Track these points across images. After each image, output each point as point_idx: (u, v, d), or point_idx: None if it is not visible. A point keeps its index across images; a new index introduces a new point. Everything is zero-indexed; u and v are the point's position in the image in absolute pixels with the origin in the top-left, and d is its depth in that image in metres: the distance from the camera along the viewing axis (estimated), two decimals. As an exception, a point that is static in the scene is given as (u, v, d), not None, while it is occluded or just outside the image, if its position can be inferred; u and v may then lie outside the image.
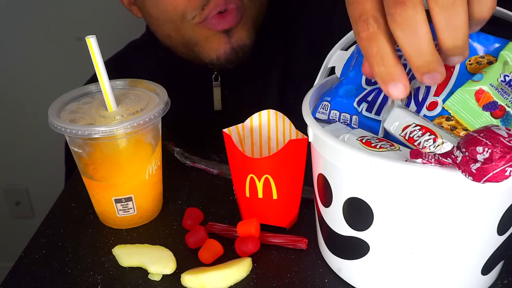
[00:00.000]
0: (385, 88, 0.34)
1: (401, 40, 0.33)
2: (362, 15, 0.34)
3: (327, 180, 0.43)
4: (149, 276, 0.49)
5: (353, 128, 0.46)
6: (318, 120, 0.47)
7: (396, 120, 0.40)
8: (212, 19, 0.68)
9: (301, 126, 0.48)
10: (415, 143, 0.39)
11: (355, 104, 0.46)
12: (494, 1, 0.33)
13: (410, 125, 0.39)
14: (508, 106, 0.39)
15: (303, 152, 0.50)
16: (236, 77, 0.79)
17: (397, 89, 0.34)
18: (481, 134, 0.32)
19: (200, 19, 0.68)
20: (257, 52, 0.76)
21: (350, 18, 0.35)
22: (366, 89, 0.47)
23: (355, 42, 0.50)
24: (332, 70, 0.52)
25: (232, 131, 0.53)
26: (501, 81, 0.40)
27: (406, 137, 0.39)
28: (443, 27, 0.32)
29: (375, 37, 0.33)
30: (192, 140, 0.72)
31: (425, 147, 0.37)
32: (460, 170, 0.33)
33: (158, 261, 0.49)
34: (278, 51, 0.81)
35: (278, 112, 0.54)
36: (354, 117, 0.46)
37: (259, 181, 0.50)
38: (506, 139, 0.31)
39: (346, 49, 0.51)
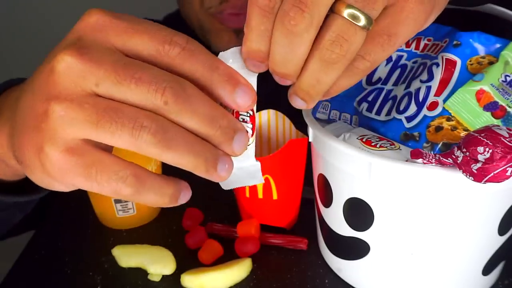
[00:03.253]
0: (246, 60, 0.30)
1: (275, 42, 0.28)
2: None
3: (327, 180, 0.43)
4: (149, 277, 0.49)
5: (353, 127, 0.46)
6: (318, 120, 0.47)
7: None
8: (226, 14, 0.69)
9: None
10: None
11: (355, 104, 0.46)
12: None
13: None
14: (509, 106, 0.39)
15: (303, 152, 0.50)
16: None
17: (257, 67, 0.30)
18: (482, 134, 0.32)
19: (216, 11, 0.69)
20: None
21: None
22: (366, 89, 0.47)
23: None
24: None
25: (232, 131, 0.53)
26: (502, 81, 0.40)
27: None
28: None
29: (270, 15, 0.28)
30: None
31: None
32: (461, 170, 0.33)
33: (157, 262, 0.49)
34: None
35: (278, 112, 0.54)
36: (354, 117, 0.46)
37: (259, 181, 0.50)
38: (507, 139, 0.31)
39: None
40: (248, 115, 0.31)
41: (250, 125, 0.31)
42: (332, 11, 0.27)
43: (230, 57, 0.30)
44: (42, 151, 0.28)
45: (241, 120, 0.31)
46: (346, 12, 0.27)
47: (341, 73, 0.29)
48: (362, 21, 0.27)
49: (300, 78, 0.29)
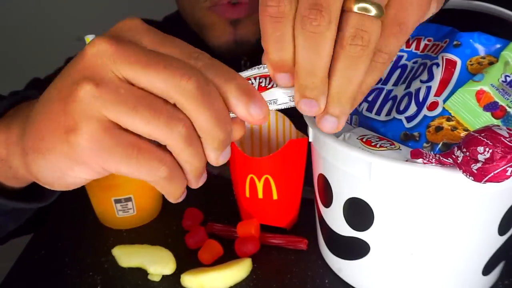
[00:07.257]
0: (274, 76, 0.31)
1: (300, 48, 0.29)
2: None
3: (327, 180, 0.43)
4: (149, 277, 0.49)
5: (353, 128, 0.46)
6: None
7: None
8: (222, 6, 0.68)
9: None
10: None
11: (355, 104, 0.46)
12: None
13: None
14: (509, 107, 0.39)
15: (303, 152, 0.50)
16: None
17: (286, 79, 0.31)
18: (482, 134, 0.32)
19: (211, 3, 0.68)
20: None
21: None
22: (366, 89, 0.47)
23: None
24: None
25: (232, 131, 0.53)
26: (502, 81, 0.40)
27: None
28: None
29: (282, 20, 0.29)
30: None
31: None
32: (461, 170, 0.33)
33: (157, 262, 0.49)
34: None
35: (278, 112, 0.54)
36: (354, 117, 0.46)
37: (259, 181, 0.50)
38: (507, 139, 0.31)
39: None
40: None
41: None
42: (343, 10, 0.29)
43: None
44: (75, 131, 0.27)
45: None
46: (357, 7, 0.28)
47: (367, 66, 0.30)
48: (373, 11, 0.28)
49: (330, 84, 0.30)
